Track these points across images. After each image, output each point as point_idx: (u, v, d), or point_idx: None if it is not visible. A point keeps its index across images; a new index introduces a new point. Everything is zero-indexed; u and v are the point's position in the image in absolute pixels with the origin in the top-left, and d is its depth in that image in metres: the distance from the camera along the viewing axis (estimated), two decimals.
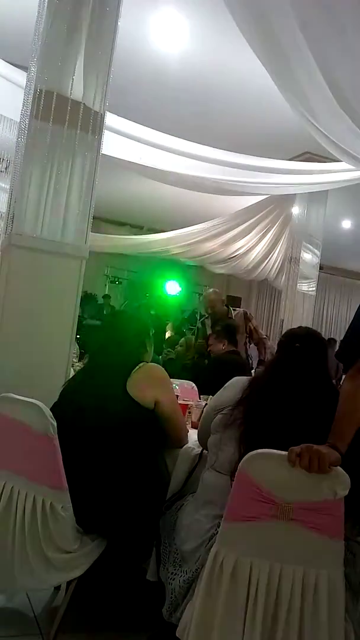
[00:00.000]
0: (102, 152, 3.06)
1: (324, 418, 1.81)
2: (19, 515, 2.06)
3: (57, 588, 2.43)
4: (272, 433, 1.82)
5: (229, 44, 4.75)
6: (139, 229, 11.98)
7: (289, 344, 2.10)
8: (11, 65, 4.38)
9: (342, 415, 1.80)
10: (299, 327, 2.33)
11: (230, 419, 1.99)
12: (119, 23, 2.99)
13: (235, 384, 2.12)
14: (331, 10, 3.02)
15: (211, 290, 5.72)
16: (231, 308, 5.55)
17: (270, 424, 1.88)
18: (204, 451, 2.23)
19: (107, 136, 3.19)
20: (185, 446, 2.38)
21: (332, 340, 11.64)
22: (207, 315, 5.76)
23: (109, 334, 2.46)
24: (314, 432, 1.74)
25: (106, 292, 12.65)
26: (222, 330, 4.74)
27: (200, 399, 3.44)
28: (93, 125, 2.95)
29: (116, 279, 13.20)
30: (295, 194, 7.27)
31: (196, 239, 9.59)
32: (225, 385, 2.18)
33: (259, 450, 1.64)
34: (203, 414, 2.32)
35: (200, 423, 2.33)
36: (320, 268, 7.77)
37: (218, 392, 2.19)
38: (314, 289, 7.51)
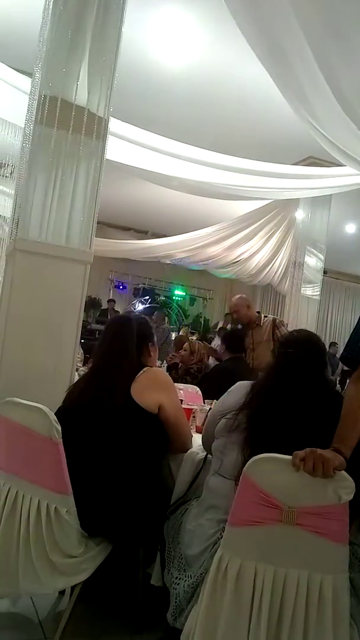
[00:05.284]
0: (107, 157, 3.07)
1: (328, 422, 1.81)
2: (23, 519, 2.06)
3: (62, 592, 2.43)
4: (276, 437, 1.82)
5: (233, 49, 4.78)
6: (144, 233, 12.02)
7: (283, 348, 2.10)
8: (16, 71, 4.41)
9: (346, 419, 1.79)
10: (298, 331, 2.32)
11: (234, 424, 1.98)
12: (122, 29, 3.01)
13: (239, 389, 2.12)
14: (334, 14, 3.03)
15: (237, 296, 5.54)
16: (262, 314, 5.25)
17: (273, 428, 1.87)
18: (209, 456, 2.23)
19: (111, 141, 3.20)
20: (189, 451, 2.38)
21: (333, 344, 11.69)
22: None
23: (112, 338, 2.44)
24: (318, 436, 1.73)
25: (110, 297, 12.68)
26: (222, 336, 4.74)
27: (204, 403, 3.44)
28: (97, 130, 2.97)
29: (120, 284, 13.24)
30: (298, 198, 7.28)
31: (200, 244, 9.61)
32: (229, 389, 2.17)
33: (263, 455, 1.64)
34: (207, 419, 2.32)
35: (204, 427, 2.33)
36: (325, 272, 7.77)
37: (222, 397, 2.19)
38: (318, 293, 7.51)
